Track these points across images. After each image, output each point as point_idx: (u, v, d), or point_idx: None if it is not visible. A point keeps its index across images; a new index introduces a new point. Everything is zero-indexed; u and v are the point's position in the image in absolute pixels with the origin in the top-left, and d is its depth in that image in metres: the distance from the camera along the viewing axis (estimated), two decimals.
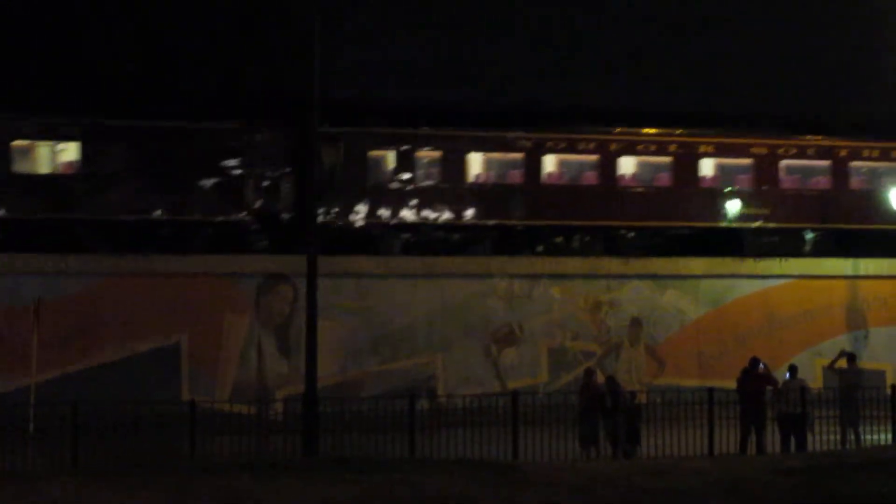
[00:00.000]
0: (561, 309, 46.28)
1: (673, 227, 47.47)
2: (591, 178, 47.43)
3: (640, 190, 47.32)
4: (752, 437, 35.07)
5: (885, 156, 49.14)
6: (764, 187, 48.01)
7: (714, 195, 48.09)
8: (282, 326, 43.71)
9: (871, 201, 48.74)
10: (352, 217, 44.78)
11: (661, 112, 49.86)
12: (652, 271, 47.14)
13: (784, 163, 48.55)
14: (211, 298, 43.33)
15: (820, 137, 48.74)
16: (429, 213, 45.38)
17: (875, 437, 36.84)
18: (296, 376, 39.17)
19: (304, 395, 33.29)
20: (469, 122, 46.63)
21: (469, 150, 46.47)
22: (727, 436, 34.42)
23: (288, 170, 44.29)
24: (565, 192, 46.85)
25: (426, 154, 46.16)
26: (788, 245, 48.10)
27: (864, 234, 48.71)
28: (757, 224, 48.05)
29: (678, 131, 47.56)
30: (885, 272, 48.60)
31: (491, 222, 45.78)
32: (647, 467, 31.10)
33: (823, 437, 35.97)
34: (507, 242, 46.13)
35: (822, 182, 48.86)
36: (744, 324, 47.64)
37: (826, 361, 42.67)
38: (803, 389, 35.47)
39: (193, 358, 42.89)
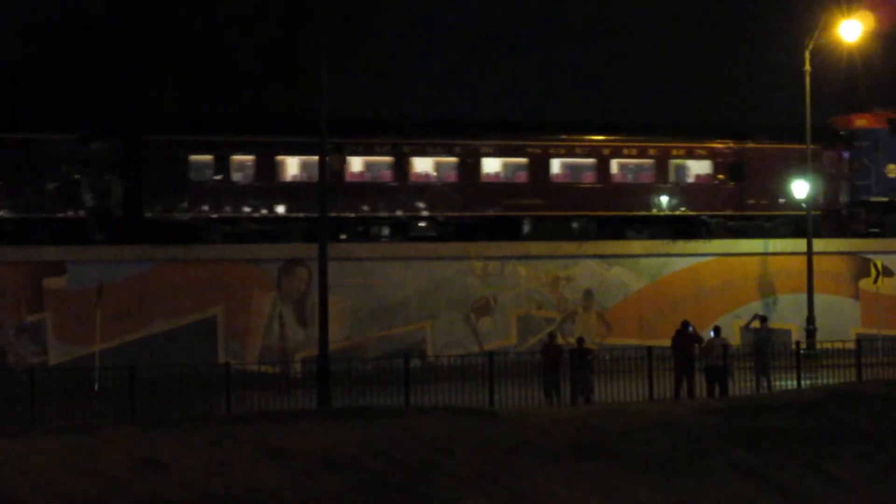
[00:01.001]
0: (527, 284, 46.29)
1: (460, 216, 46.30)
2: (387, 175, 46.27)
3: (431, 184, 46.50)
4: (684, 385, 35.24)
5: (641, 153, 48.81)
6: (538, 182, 47.27)
7: (496, 189, 47.21)
8: (299, 301, 43.67)
9: (632, 193, 48.39)
10: (177, 213, 43.68)
11: (450, 120, 49.59)
12: (600, 252, 47.18)
13: (556, 161, 47.82)
14: (241, 279, 43.30)
15: (587, 137, 48.12)
16: (245, 208, 44.40)
17: (782, 383, 37.03)
18: (311, 342, 39.16)
19: (319, 357, 33.41)
20: (285, 129, 45.55)
21: (279, 154, 45.17)
22: (663, 384, 34.57)
23: (118, 174, 43.24)
24: (365, 188, 45.84)
25: (241, 158, 44.90)
26: (560, 231, 47.34)
27: (627, 219, 48.23)
28: (532, 213, 47.24)
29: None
30: (789, 250, 48.73)
31: (301, 214, 44.35)
32: (598, 411, 31.25)
33: (741, 385, 36.17)
34: (315, 233, 44.98)
35: (590, 177, 48.08)
36: (676, 293, 47.66)
37: (743, 323, 42.93)
38: (725, 346, 35.64)
39: (227, 328, 42.84)
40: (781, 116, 52.95)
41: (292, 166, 45.66)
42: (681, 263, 48.13)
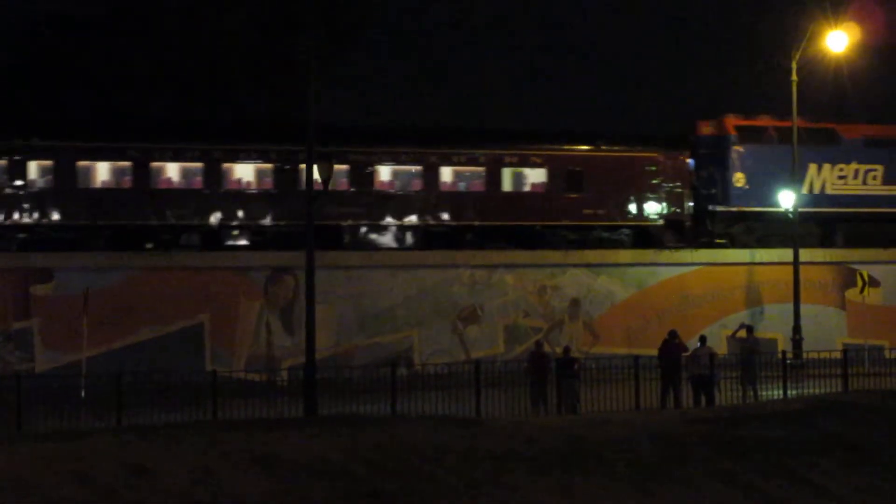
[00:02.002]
0: (514, 292, 46.32)
1: (276, 224, 44.65)
2: (197, 182, 44.64)
3: (246, 192, 44.83)
4: (670, 395, 35.26)
5: (471, 161, 46.84)
6: (361, 190, 45.61)
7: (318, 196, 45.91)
8: (286, 309, 43.67)
9: (463, 202, 46.82)
10: None
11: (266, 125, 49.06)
12: (587, 261, 47.18)
13: (381, 168, 46.09)
14: (228, 287, 43.32)
15: (413, 144, 46.61)
16: (43, 215, 42.80)
17: (768, 393, 37.08)
18: (298, 350, 39.13)
19: (305, 365, 33.33)
20: (90, 134, 44.30)
21: (83, 160, 43.60)
22: (650, 394, 34.58)
23: None
24: (174, 195, 44.16)
25: (40, 163, 43.31)
26: (381, 238, 45.96)
27: (459, 229, 46.62)
28: (354, 222, 45.62)
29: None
30: (776, 260, 48.79)
31: (106, 222, 43.24)
32: (585, 420, 31.27)
33: (728, 394, 36.21)
34: (121, 241, 43.43)
35: (418, 185, 46.53)
36: (663, 303, 47.71)
37: (730, 332, 42.98)
38: (711, 355, 35.70)
39: (214, 336, 42.85)
40: None
41: (97, 172, 44.16)
42: (667, 273, 48.17)
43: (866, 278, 47.68)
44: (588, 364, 36.59)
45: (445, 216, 46.60)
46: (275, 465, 25.58)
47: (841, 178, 49.79)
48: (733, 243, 49.43)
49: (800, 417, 31.75)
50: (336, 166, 44.65)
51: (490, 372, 34.88)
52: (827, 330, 48.35)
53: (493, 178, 47.28)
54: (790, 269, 46.69)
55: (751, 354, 37.58)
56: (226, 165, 44.92)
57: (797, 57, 46.95)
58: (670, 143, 49.46)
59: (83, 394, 34.47)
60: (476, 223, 46.85)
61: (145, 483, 24.18)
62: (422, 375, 38.25)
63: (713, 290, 48.57)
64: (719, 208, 49.57)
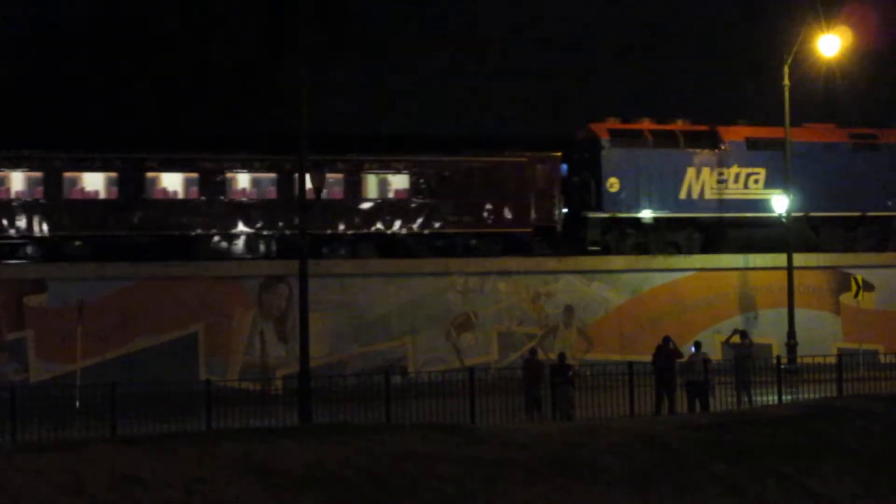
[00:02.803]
0: (507, 300, 46.33)
1: (129, 234, 43.66)
2: (38, 192, 43.06)
3: (87, 202, 43.53)
4: (665, 401, 35.27)
5: (331, 168, 44.64)
6: (212, 199, 44.23)
7: (168, 205, 44.34)
8: (280, 318, 43.66)
9: (323, 209, 44.38)
10: None
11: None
12: (581, 267, 47.16)
13: (232, 175, 44.77)
14: (222, 296, 43.31)
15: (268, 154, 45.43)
16: None
17: (763, 398, 37.12)
18: (292, 359, 39.15)
19: (300, 374, 33.37)
20: None
21: None
22: (644, 400, 34.60)
23: None
24: (13, 205, 42.83)
25: None
26: (233, 248, 44.73)
27: (321, 238, 44.98)
28: (199, 231, 44.09)
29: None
30: (770, 265, 48.79)
31: None
32: (580, 427, 31.25)
33: (722, 400, 36.23)
34: None
35: (273, 192, 45.33)
36: (657, 309, 47.73)
37: (724, 338, 42.92)
38: (705, 361, 35.70)
39: (208, 345, 42.84)
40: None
41: None
42: (661, 279, 48.18)
43: (860, 283, 47.73)
44: (582, 371, 36.65)
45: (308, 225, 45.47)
46: (269, 474, 25.55)
47: (721, 181, 49.11)
48: (607, 250, 48.40)
49: (795, 423, 31.77)
50: (186, 174, 44.62)
51: (484, 379, 34.93)
52: (821, 334, 48.42)
53: (355, 186, 46.20)
54: (784, 273, 46.69)
55: (745, 360, 37.65)
56: (68, 174, 43.81)
57: (789, 61, 46.97)
58: (541, 148, 48.35)
59: (77, 404, 34.44)
60: (339, 231, 45.84)
61: (139, 493, 24.13)
62: (416, 383, 38.24)
63: (707, 295, 48.58)
64: (592, 214, 48.28)
